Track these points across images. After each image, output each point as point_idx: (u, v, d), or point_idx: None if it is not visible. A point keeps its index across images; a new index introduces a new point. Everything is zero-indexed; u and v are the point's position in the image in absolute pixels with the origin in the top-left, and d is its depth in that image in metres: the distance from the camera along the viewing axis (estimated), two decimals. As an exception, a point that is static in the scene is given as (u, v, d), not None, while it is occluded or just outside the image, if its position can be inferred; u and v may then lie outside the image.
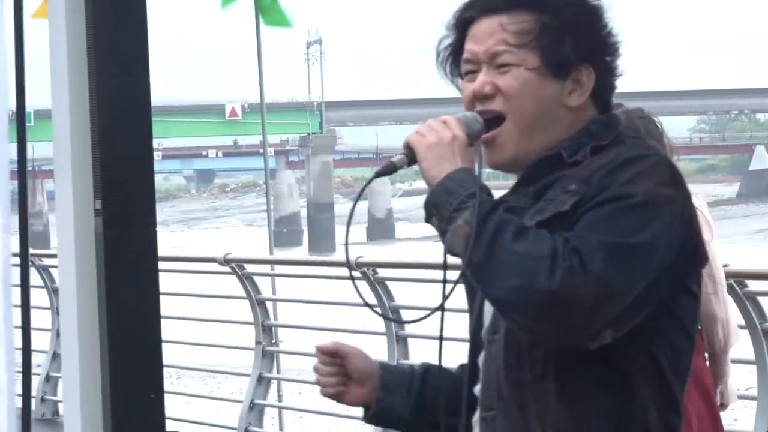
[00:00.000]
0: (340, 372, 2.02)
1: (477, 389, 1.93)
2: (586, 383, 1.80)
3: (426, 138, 1.84)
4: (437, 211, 1.80)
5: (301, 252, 46.63)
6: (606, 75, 1.93)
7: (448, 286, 1.88)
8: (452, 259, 1.84)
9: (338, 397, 2.04)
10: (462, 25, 1.94)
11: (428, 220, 1.84)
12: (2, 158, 2.01)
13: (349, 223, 2.02)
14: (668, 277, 1.78)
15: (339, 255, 26.89)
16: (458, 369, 2.06)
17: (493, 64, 1.89)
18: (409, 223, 53.37)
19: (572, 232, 1.75)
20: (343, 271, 7.09)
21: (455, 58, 1.96)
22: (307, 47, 50.45)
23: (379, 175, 1.96)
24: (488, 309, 1.89)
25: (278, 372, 7.71)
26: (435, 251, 2.34)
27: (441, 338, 1.94)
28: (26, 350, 2.18)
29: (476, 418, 1.93)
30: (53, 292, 8.12)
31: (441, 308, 1.89)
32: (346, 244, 2.02)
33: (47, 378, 8.21)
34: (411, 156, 1.86)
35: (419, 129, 1.89)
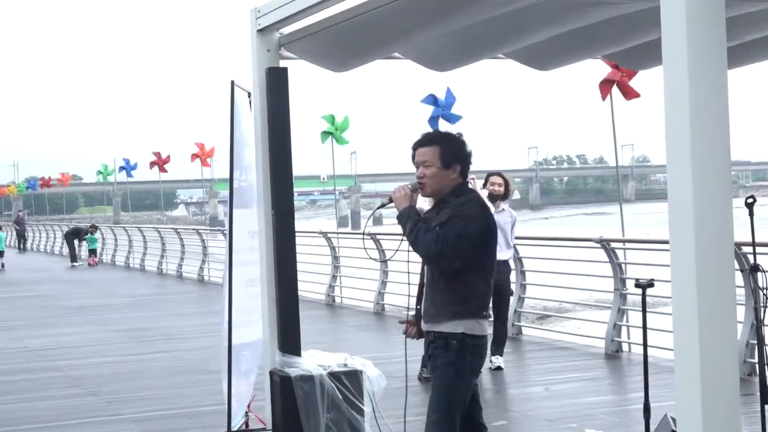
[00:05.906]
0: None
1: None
2: (453, 277, 4.95)
3: (397, 194, 5.06)
4: (400, 222, 4.98)
5: (347, 230, 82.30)
6: (465, 165, 5.00)
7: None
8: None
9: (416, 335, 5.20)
10: (414, 150, 5.12)
11: (399, 223, 5.06)
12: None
13: (367, 220, 5.88)
14: (478, 242, 4.92)
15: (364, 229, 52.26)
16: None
17: (424, 164, 5.01)
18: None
19: (445, 229, 4.74)
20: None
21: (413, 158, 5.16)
22: (351, 154, 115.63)
23: (381, 206, 5.43)
24: None
25: None
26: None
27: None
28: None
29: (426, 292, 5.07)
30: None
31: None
32: (363, 233, 6.38)
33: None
34: (390, 201, 5.12)
35: (395, 190, 5.06)
